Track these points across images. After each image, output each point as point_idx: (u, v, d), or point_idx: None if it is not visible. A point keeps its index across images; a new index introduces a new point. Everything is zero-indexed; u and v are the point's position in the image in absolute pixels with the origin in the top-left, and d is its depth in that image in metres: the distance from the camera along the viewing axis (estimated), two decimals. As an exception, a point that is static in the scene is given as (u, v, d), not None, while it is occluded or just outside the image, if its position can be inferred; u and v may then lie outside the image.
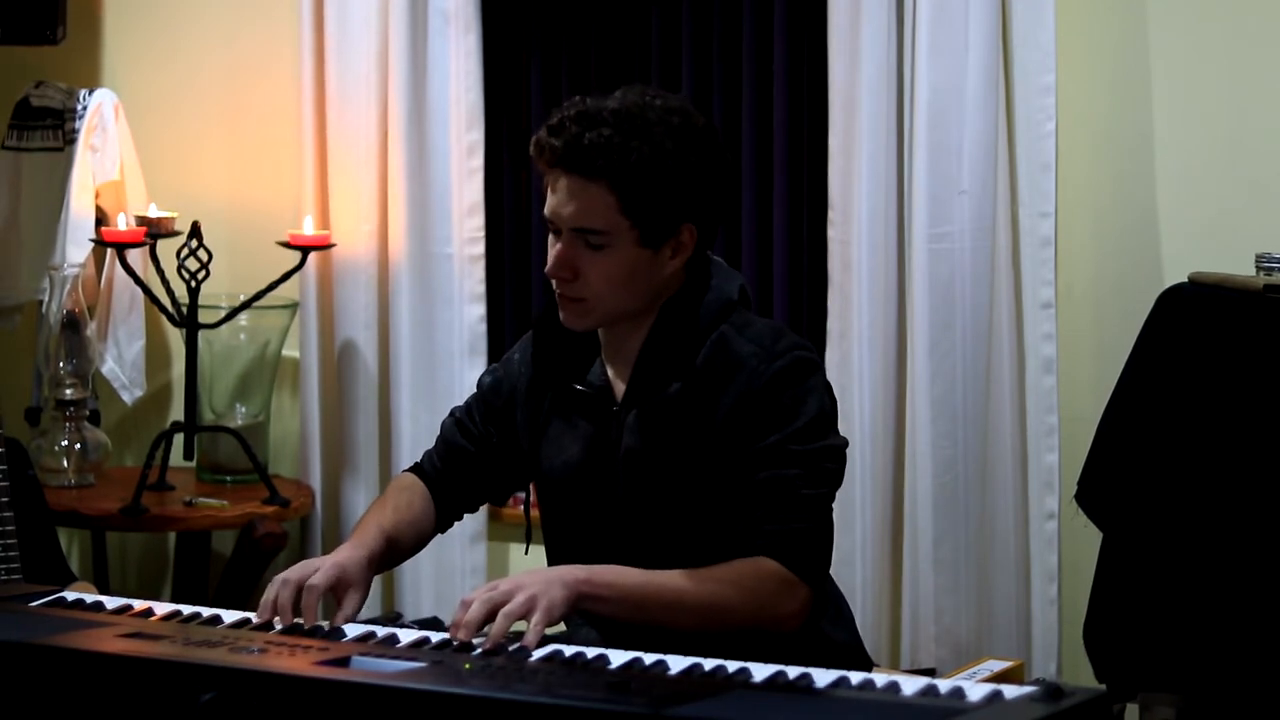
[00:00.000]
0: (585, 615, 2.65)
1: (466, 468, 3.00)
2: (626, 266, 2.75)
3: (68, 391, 4.43)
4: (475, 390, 3.03)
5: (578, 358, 2.88)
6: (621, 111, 2.74)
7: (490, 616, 2.53)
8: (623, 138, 2.71)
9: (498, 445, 2.97)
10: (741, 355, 2.77)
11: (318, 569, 2.72)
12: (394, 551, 2.90)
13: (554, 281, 2.79)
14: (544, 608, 2.54)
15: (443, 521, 3.02)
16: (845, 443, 2.80)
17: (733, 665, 2.38)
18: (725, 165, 2.82)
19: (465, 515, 3.07)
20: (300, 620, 2.65)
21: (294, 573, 2.70)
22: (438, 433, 3.06)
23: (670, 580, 2.67)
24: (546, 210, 2.78)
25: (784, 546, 2.71)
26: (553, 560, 2.92)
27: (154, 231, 4.39)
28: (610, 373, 2.86)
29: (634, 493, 2.80)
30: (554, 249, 2.78)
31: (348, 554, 2.78)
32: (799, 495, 2.72)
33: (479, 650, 2.49)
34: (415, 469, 3.04)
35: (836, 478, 2.79)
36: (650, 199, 2.73)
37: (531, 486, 3.00)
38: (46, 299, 4.53)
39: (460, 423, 3.01)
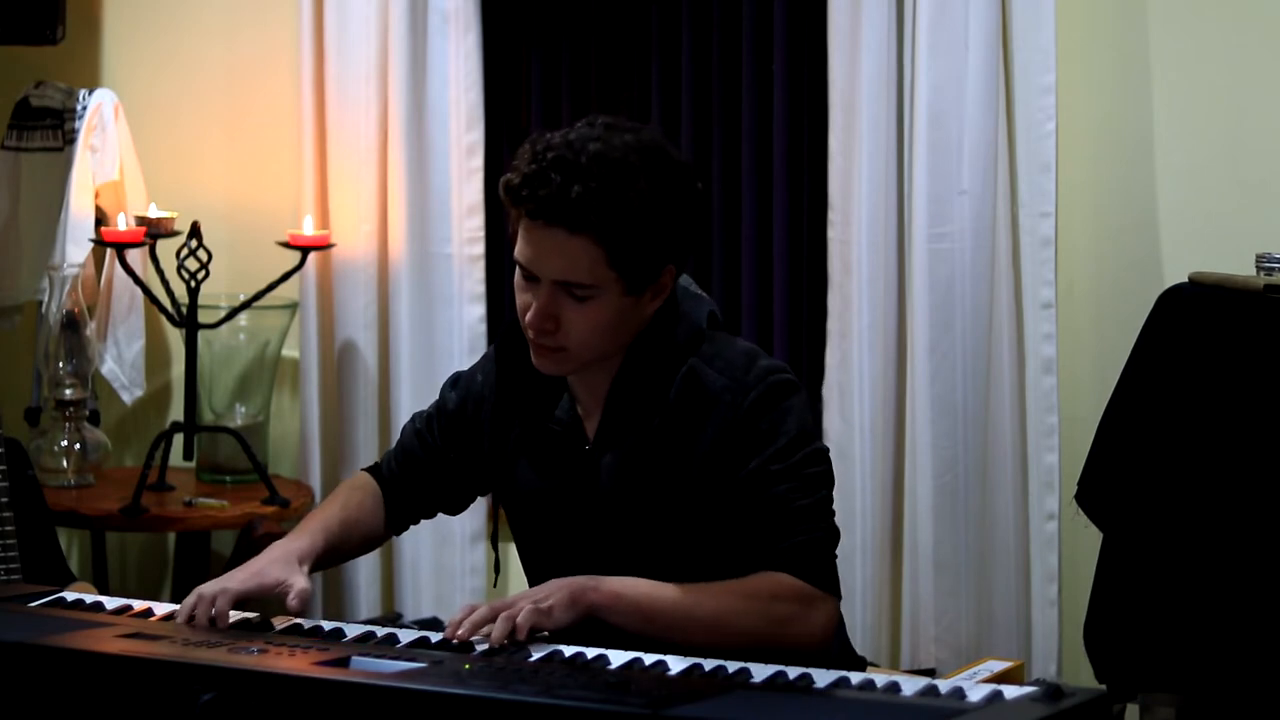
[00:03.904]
0: (594, 628, 2.61)
1: (422, 477, 2.95)
2: (611, 316, 2.67)
3: (67, 391, 4.43)
4: (440, 401, 2.95)
5: (544, 390, 2.81)
6: (603, 158, 2.60)
7: (493, 618, 2.53)
8: (610, 189, 2.59)
9: (455, 463, 2.92)
10: (714, 390, 2.70)
11: (238, 573, 2.71)
12: (335, 552, 2.87)
13: (530, 331, 2.70)
14: (538, 601, 2.53)
15: (394, 525, 2.98)
16: (826, 448, 2.75)
17: (733, 665, 2.38)
18: (700, 200, 2.72)
19: (426, 519, 3.03)
20: (299, 620, 2.65)
21: (210, 586, 2.69)
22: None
23: (680, 591, 2.62)
24: (522, 259, 2.66)
25: (796, 560, 2.65)
26: (530, 573, 2.89)
27: (154, 231, 4.39)
28: (579, 409, 2.80)
29: (610, 532, 2.76)
30: (526, 294, 2.68)
31: (277, 554, 2.76)
32: (795, 508, 2.66)
33: (479, 650, 2.49)
34: (373, 469, 3.00)
35: (826, 479, 2.72)
36: (637, 250, 2.63)
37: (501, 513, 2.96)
38: (46, 299, 4.53)
39: (420, 434, 2.95)
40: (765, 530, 2.66)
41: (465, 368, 4.46)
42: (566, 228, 2.61)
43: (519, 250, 2.67)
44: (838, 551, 2.72)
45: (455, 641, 2.52)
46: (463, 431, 2.91)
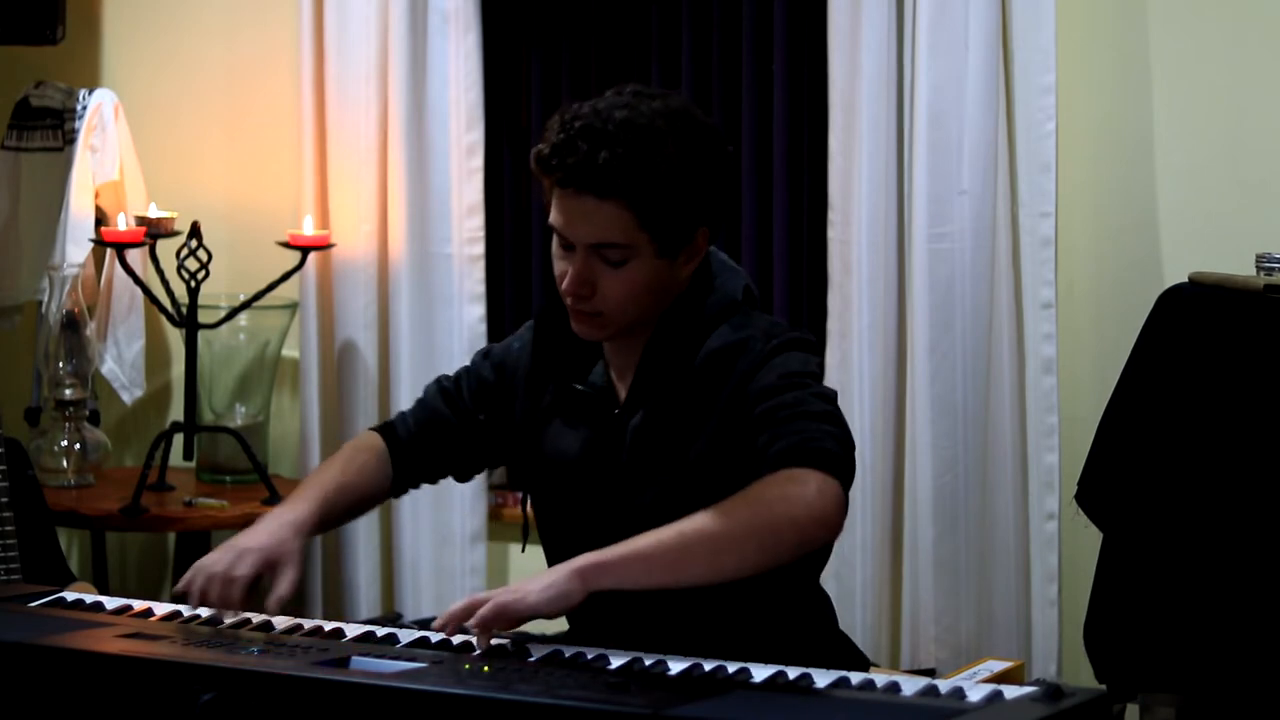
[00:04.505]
0: (599, 621, 2.60)
1: (442, 438, 2.96)
2: (646, 279, 2.72)
3: (67, 391, 4.43)
4: (470, 366, 2.98)
5: (580, 356, 2.86)
6: (630, 124, 2.67)
7: (471, 609, 2.50)
8: (636, 154, 2.65)
9: (483, 425, 2.94)
10: (741, 339, 2.73)
11: (242, 553, 2.72)
12: (332, 516, 2.89)
13: (568, 297, 2.75)
14: (518, 588, 2.50)
15: (398, 487, 2.99)
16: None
17: (733, 665, 2.38)
18: (729, 162, 2.80)
19: (428, 484, 3.04)
20: (299, 616, 2.65)
21: (219, 565, 2.70)
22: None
23: (670, 526, 2.56)
24: (556, 225, 2.72)
25: (794, 453, 2.58)
26: (550, 558, 2.90)
27: (154, 231, 4.40)
28: (613, 374, 2.84)
29: (636, 496, 2.77)
30: (563, 260, 2.74)
31: (276, 525, 2.77)
32: (800, 411, 2.63)
33: (479, 650, 2.49)
34: (384, 428, 3.00)
35: (834, 401, 2.69)
36: (667, 212, 2.69)
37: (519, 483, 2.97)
38: (46, 299, 4.54)
39: (447, 393, 2.97)
40: (770, 433, 2.62)
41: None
42: (595, 194, 2.67)
43: (553, 218, 2.73)
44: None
45: (446, 637, 2.52)
46: (495, 398, 2.93)
